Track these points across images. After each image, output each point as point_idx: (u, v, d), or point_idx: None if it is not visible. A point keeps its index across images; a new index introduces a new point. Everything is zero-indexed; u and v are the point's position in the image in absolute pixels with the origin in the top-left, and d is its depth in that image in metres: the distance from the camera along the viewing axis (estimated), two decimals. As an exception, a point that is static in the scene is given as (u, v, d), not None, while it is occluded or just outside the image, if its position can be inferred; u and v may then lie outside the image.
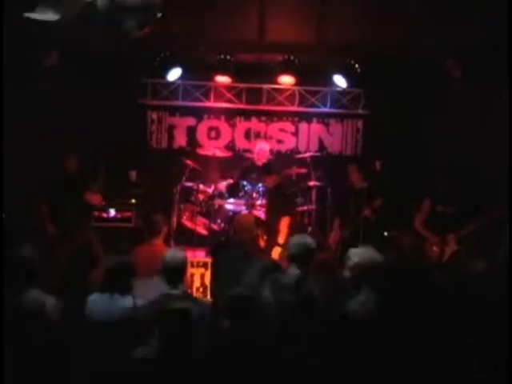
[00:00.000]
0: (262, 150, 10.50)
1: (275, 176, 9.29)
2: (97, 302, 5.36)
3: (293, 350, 4.46)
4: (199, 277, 9.16)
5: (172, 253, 5.79)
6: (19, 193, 8.83)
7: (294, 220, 9.54)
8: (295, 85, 11.01)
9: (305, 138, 11.54)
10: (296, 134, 11.55)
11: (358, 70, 10.16)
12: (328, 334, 4.64)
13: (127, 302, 5.29)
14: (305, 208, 10.30)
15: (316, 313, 5.04)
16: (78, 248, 8.22)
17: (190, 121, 11.47)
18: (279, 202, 9.13)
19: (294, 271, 5.60)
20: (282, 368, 4.15)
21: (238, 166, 10.73)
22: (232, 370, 4.03)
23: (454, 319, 4.75)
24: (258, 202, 9.96)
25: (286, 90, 11.28)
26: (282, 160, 10.97)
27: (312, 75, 10.92)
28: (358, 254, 5.44)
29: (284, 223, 8.95)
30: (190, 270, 8.59)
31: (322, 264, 6.19)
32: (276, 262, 6.45)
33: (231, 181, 10.39)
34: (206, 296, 8.90)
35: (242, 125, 11.56)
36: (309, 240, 5.91)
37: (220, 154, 10.75)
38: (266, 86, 11.28)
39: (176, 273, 5.52)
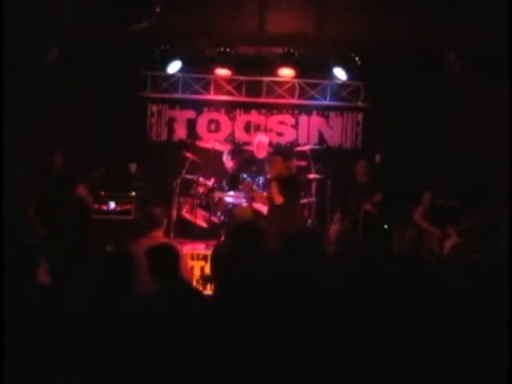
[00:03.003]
0: (261, 143, 10.51)
1: (281, 162, 9.31)
2: (94, 296, 5.34)
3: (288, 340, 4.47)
4: (199, 269, 9.17)
5: (160, 247, 5.77)
6: (18, 191, 8.81)
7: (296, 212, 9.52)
8: (295, 77, 11.03)
9: (305, 130, 11.56)
10: (296, 126, 11.57)
11: (358, 63, 10.14)
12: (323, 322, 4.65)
13: (124, 295, 5.27)
14: (305, 201, 10.31)
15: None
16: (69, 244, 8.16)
17: (190, 113, 11.50)
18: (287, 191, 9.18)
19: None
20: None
21: (238, 158, 10.74)
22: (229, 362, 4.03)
23: (454, 311, 4.75)
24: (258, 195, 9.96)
25: (286, 82, 11.29)
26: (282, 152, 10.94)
27: (312, 68, 10.92)
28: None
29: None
30: (190, 263, 8.59)
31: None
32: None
33: (231, 173, 10.40)
34: (205, 288, 8.92)
35: (241, 117, 11.58)
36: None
37: (220, 146, 10.75)
38: (265, 79, 11.29)
39: (165, 266, 5.51)
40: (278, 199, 9.18)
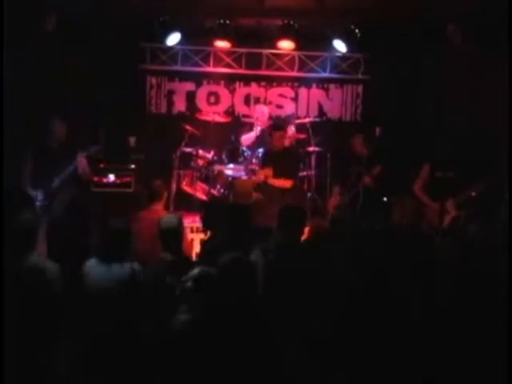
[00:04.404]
0: (262, 114, 10.46)
1: (283, 137, 9.38)
2: (94, 267, 5.36)
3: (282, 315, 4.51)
4: (199, 242, 9.17)
5: (167, 218, 5.81)
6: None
7: (295, 187, 9.55)
8: (295, 50, 10.98)
9: (304, 103, 11.53)
10: (295, 99, 11.55)
11: (358, 35, 10.09)
12: (318, 298, 4.68)
13: (125, 267, 5.29)
14: (304, 173, 10.30)
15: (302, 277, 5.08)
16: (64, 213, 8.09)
17: (190, 86, 11.46)
18: (285, 165, 9.22)
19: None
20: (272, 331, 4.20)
21: (238, 131, 10.71)
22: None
23: (454, 283, 4.77)
24: (258, 168, 9.94)
25: (286, 54, 11.25)
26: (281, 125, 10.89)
27: (312, 40, 10.87)
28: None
29: (283, 183, 9.12)
30: (189, 236, 8.60)
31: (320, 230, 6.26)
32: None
33: (230, 146, 10.37)
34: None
35: (241, 90, 11.55)
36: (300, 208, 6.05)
37: (219, 119, 10.71)
38: (265, 51, 11.23)
39: (171, 237, 5.54)
40: (287, 183, 9.20)
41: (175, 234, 5.62)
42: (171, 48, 10.92)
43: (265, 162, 9.57)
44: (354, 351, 4.26)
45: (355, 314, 4.40)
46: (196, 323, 4.10)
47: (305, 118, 11.11)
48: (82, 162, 8.55)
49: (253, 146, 10.24)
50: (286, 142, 9.70)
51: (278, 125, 9.96)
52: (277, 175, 9.27)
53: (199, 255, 6.53)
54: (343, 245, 5.44)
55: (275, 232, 6.10)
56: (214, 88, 11.52)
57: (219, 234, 6.41)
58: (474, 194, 8.23)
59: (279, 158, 9.29)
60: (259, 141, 10.27)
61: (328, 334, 4.36)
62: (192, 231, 9.11)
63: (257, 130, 10.41)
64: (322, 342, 4.32)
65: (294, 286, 4.94)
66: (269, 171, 9.30)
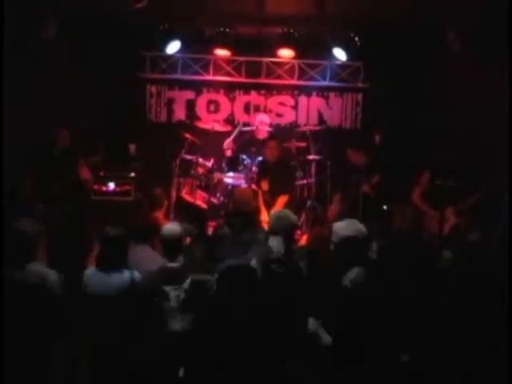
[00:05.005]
0: (262, 123, 10.50)
1: (278, 147, 9.39)
2: (93, 276, 5.35)
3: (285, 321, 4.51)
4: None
5: (169, 226, 5.81)
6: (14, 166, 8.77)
7: (293, 198, 9.55)
8: (295, 58, 11.00)
9: (304, 111, 11.53)
10: (295, 107, 11.55)
11: (358, 43, 10.10)
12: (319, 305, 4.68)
13: (124, 275, 5.29)
14: (304, 182, 10.30)
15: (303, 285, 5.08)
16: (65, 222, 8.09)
17: (189, 94, 11.47)
18: (280, 178, 9.22)
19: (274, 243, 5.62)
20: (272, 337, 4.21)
21: (238, 139, 10.72)
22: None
23: (454, 289, 4.77)
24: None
25: (286, 63, 11.26)
26: (281, 133, 10.92)
27: (311, 48, 10.92)
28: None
29: (281, 201, 9.07)
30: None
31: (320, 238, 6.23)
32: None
33: (230, 154, 10.39)
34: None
35: (241, 98, 11.55)
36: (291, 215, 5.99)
37: (219, 127, 10.73)
38: (265, 60, 11.24)
39: (173, 246, 5.54)
40: (285, 199, 9.25)
41: (177, 243, 5.61)
42: (171, 56, 10.95)
43: (262, 173, 9.60)
44: (353, 353, 4.27)
45: (356, 319, 4.40)
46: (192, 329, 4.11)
47: (305, 126, 11.13)
48: (84, 170, 8.57)
49: (245, 153, 10.31)
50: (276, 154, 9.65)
51: (273, 135, 10.01)
52: (274, 191, 9.29)
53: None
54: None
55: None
56: (213, 96, 11.53)
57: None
58: (473, 201, 8.23)
59: (275, 171, 9.32)
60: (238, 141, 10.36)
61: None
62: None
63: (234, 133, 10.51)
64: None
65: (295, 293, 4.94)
66: (266, 184, 9.34)
